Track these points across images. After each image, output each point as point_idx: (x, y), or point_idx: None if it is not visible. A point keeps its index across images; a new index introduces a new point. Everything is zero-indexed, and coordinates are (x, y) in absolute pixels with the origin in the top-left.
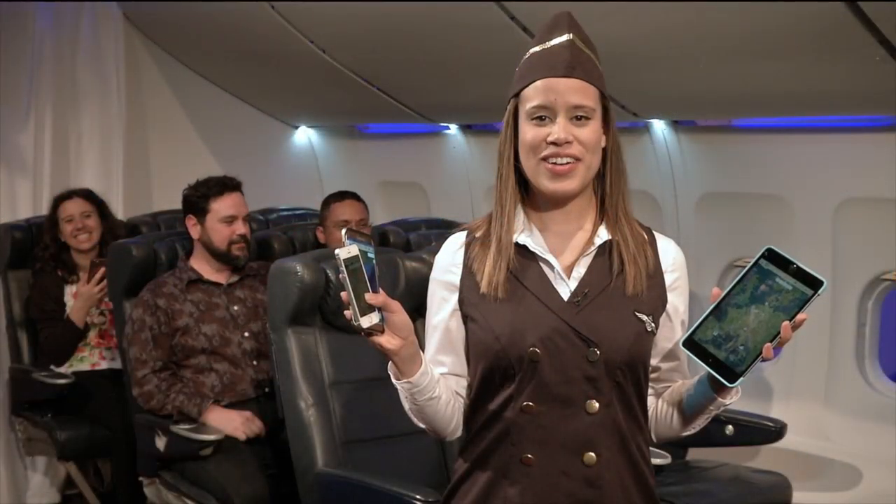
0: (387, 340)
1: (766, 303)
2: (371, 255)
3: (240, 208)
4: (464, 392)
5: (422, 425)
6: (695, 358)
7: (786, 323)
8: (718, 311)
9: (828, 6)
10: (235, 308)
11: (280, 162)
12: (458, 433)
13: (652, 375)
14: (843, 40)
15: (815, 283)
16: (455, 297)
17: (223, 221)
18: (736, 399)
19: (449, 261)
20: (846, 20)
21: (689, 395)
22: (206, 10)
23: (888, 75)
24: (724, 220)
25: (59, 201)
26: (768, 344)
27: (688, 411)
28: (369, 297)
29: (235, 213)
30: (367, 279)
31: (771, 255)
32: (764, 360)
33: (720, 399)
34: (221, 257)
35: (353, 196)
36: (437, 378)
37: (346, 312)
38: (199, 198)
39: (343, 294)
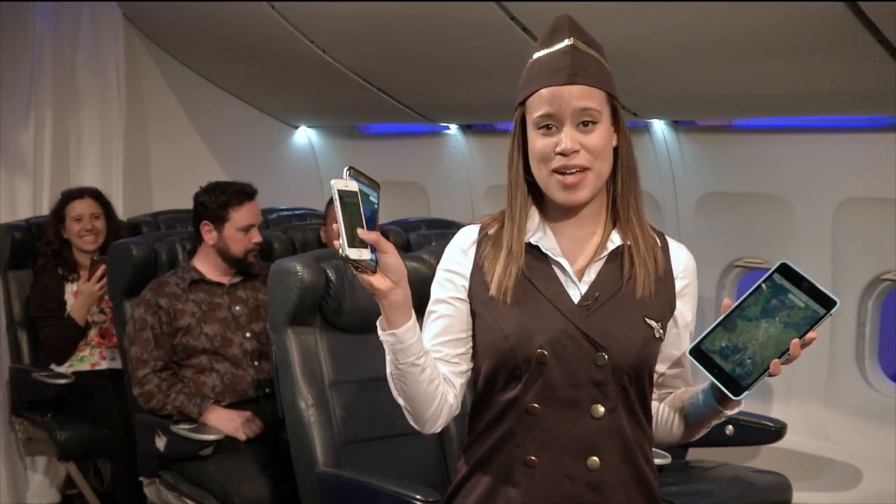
0: (377, 280)
1: (776, 318)
2: (373, 199)
3: (257, 217)
4: (457, 382)
5: (401, 401)
6: (701, 367)
7: (795, 340)
8: (728, 322)
9: (828, 6)
10: (237, 308)
11: (280, 162)
12: (437, 427)
13: (656, 381)
14: (843, 40)
15: (827, 303)
16: (462, 284)
17: (241, 230)
18: (739, 409)
19: (460, 253)
20: (846, 20)
21: (692, 403)
22: (206, 10)
23: (888, 75)
24: (724, 220)
25: (68, 199)
26: (776, 360)
27: (690, 419)
28: (362, 232)
29: (254, 222)
30: (363, 217)
31: (785, 270)
32: (771, 375)
33: (724, 410)
34: (236, 263)
35: None
36: (426, 350)
37: (335, 243)
38: (218, 206)
39: (334, 225)
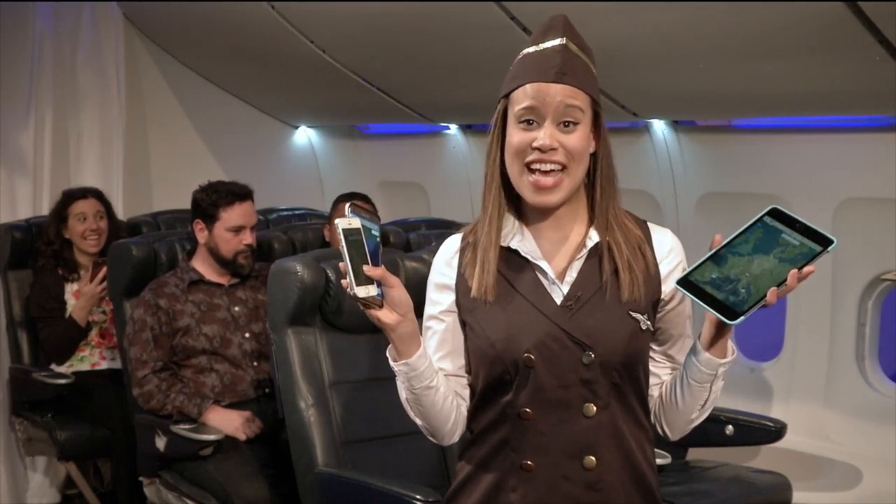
0: (385, 315)
1: (770, 254)
2: (375, 233)
3: (248, 218)
4: (465, 393)
5: (418, 421)
6: (691, 296)
7: (793, 271)
8: (717, 257)
9: (828, 6)
10: (237, 309)
11: (280, 162)
12: (455, 437)
13: (666, 365)
14: (843, 40)
15: (824, 241)
16: (451, 299)
17: (231, 231)
18: (732, 358)
19: (445, 265)
20: (846, 20)
21: (685, 365)
22: (206, 10)
23: (888, 75)
24: (724, 220)
25: (71, 199)
26: (774, 288)
27: (688, 384)
28: (368, 269)
29: (244, 223)
30: (367, 253)
31: (776, 214)
32: (766, 305)
33: (715, 358)
34: (226, 265)
35: (361, 197)
36: (437, 369)
37: (342, 282)
38: (209, 204)
39: (341, 264)
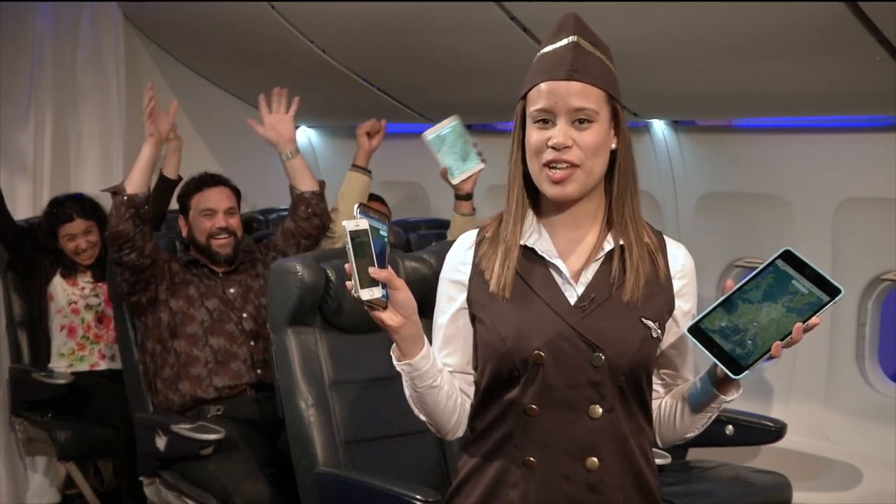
0: (388, 316)
1: (778, 302)
2: (383, 233)
3: (219, 203)
4: (469, 390)
5: (422, 417)
6: (699, 345)
7: (798, 325)
8: (728, 304)
9: (828, 6)
10: (232, 290)
11: (280, 162)
12: (459, 433)
13: (663, 381)
14: (843, 40)
15: (831, 290)
16: (463, 296)
17: (202, 215)
18: (737, 396)
19: (459, 259)
20: (846, 20)
21: (691, 393)
22: (206, 10)
23: (888, 75)
24: (724, 220)
25: (58, 221)
26: (778, 342)
27: (690, 410)
28: (372, 270)
29: (213, 206)
30: (374, 254)
31: (788, 257)
32: (771, 357)
33: (722, 396)
34: (203, 252)
35: (375, 198)
36: (441, 368)
37: (347, 283)
38: (181, 196)
39: (346, 265)
